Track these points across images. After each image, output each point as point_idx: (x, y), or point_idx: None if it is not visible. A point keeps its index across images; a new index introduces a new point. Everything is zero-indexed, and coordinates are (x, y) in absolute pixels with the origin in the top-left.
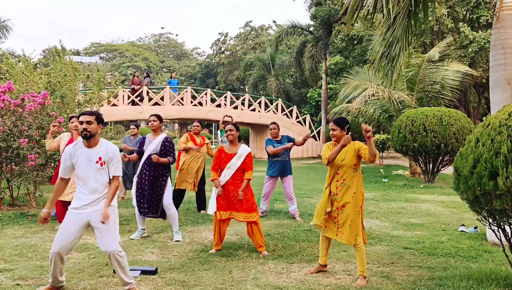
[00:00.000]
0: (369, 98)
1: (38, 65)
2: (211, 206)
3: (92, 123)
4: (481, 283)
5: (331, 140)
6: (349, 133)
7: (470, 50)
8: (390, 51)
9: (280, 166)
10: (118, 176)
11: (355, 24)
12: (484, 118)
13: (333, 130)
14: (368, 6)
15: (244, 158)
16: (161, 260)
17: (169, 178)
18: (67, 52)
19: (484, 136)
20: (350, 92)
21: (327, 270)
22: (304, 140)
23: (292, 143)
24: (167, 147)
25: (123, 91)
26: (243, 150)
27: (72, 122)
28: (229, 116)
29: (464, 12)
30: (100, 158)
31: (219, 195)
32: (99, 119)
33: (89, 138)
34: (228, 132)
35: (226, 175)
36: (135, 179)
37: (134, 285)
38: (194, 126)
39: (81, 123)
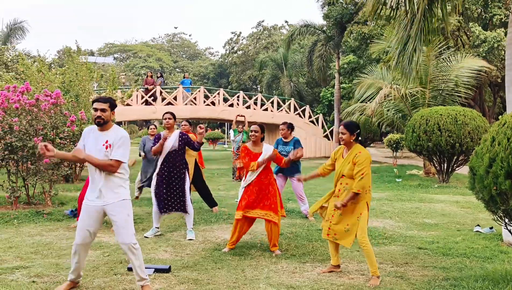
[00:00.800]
0: (384, 99)
1: (52, 65)
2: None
3: (106, 110)
4: (497, 284)
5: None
6: (359, 138)
7: (481, 50)
8: (406, 49)
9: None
10: (117, 160)
11: (369, 24)
12: (500, 117)
13: (342, 133)
14: (391, 2)
15: (268, 156)
16: (175, 258)
17: (187, 173)
18: (82, 52)
19: (500, 135)
20: (365, 91)
21: (340, 270)
22: (290, 159)
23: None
24: (185, 141)
25: (137, 91)
26: (266, 149)
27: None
28: (242, 116)
29: (479, 11)
30: (107, 141)
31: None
32: (113, 106)
33: (102, 125)
34: (253, 133)
35: (252, 174)
36: (154, 177)
37: (148, 282)
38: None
39: (96, 110)
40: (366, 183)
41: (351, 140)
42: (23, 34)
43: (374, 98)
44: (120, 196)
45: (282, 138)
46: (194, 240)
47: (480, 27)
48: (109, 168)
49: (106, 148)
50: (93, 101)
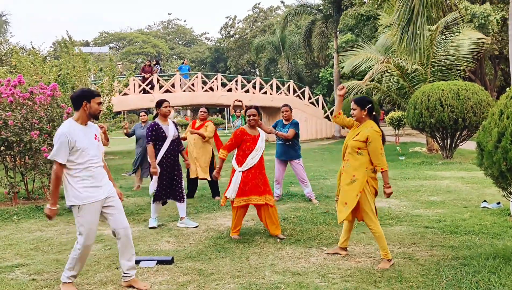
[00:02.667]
0: (382, 74)
1: (48, 58)
2: (232, 191)
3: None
4: (508, 261)
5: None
6: (373, 114)
7: (472, 25)
8: (409, 25)
9: (279, 149)
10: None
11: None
12: (507, 89)
13: (353, 109)
14: None
15: (265, 139)
16: (177, 248)
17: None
18: (76, 43)
19: (508, 108)
20: (360, 64)
21: (347, 253)
22: (276, 133)
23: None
24: (178, 130)
25: (134, 80)
26: (263, 131)
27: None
28: (239, 101)
29: None
30: (95, 135)
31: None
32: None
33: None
34: (251, 117)
35: (255, 157)
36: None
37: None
38: (200, 112)
39: (100, 104)
40: (383, 159)
41: (363, 116)
42: (6, 27)
43: (369, 72)
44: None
45: (283, 120)
46: (197, 229)
47: (468, 2)
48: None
49: (98, 140)
50: (97, 96)
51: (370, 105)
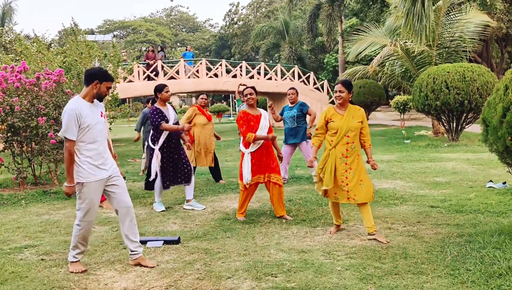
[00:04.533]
0: (386, 58)
1: (52, 45)
2: (246, 174)
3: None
4: None
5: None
6: (351, 95)
7: (475, 2)
8: (415, 6)
9: (289, 133)
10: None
11: None
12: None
13: (340, 92)
14: None
15: (268, 118)
16: (184, 229)
17: None
18: (81, 31)
19: None
20: (365, 48)
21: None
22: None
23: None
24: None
25: (138, 67)
26: (263, 111)
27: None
28: (244, 85)
29: None
30: (101, 112)
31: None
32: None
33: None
34: (248, 96)
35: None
36: (158, 154)
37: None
38: (201, 98)
39: (108, 89)
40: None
41: (349, 99)
42: (12, 15)
43: (376, 57)
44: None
45: (289, 104)
46: (203, 211)
47: None
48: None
49: (104, 118)
50: (110, 80)
51: (352, 88)
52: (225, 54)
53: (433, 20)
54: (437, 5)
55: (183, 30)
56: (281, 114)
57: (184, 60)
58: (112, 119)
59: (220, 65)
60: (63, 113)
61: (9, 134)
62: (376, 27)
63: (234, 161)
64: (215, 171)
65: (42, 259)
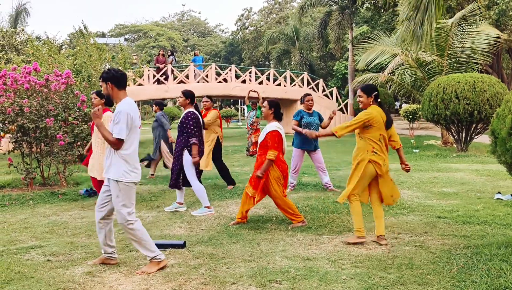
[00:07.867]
0: (397, 67)
1: (63, 47)
2: None
3: (101, 86)
4: None
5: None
6: (378, 100)
7: (492, 12)
8: (417, 12)
9: (300, 139)
10: (116, 138)
11: None
12: None
13: (360, 97)
14: None
15: (264, 135)
16: (189, 234)
17: None
18: (92, 34)
19: None
20: (376, 58)
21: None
22: (330, 118)
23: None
24: (183, 124)
25: (148, 70)
26: (268, 127)
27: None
28: (255, 91)
29: None
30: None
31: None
32: (104, 78)
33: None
34: (262, 108)
35: (258, 149)
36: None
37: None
38: (203, 101)
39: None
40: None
41: (370, 102)
42: (26, 17)
43: (388, 66)
44: (115, 175)
45: (305, 110)
46: (209, 215)
47: None
48: (110, 144)
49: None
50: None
51: (376, 92)
52: (234, 60)
53: (443, 30)
54: (446, 21)
55: (194, 34)
56: (297, 118)
57: (194, 65)
58: None
59: (230, 70)
60: (119, 114)
61: (19, 135)
62: (387, 35)
63: (241, 166)
64: (225, 177)
65: (48, 260)
